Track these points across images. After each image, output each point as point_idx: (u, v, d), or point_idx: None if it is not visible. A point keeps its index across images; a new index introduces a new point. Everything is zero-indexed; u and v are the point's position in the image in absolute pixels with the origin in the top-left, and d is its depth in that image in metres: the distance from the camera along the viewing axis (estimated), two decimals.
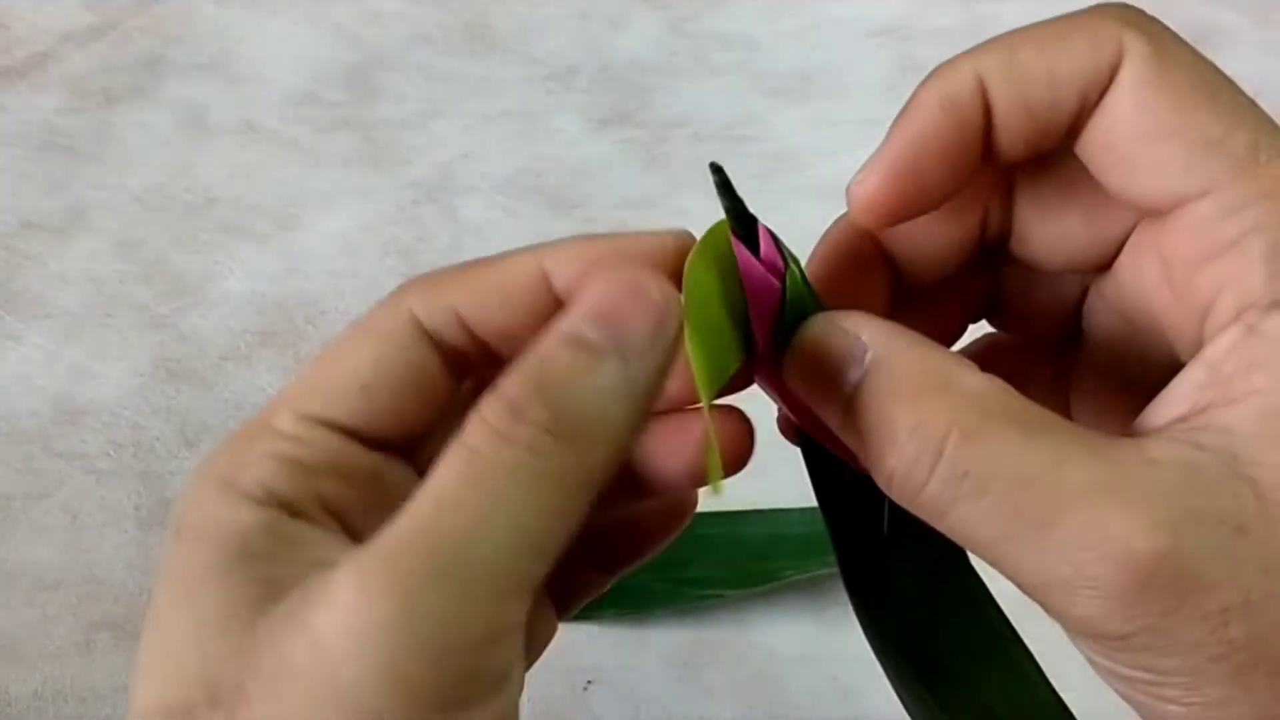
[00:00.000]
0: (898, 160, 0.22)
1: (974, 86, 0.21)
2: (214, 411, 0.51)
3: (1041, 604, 0.20)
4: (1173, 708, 0.20)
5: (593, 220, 0.58)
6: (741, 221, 0.22)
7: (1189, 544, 0.18)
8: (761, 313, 0.22)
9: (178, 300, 0.55)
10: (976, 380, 0.20)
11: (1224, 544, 0.19)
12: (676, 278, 0.21)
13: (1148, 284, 0.22)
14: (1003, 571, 0.20)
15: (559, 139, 0.62)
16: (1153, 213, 0.21)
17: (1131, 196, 0.21)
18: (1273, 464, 0.19)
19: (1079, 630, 0.20)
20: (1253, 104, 0.20)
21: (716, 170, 0.22)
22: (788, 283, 0.22)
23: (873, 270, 0.24)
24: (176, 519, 0.20)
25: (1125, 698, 0.21)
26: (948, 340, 0.26)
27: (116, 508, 0.48)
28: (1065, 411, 0.26)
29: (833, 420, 0.22)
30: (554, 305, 0.22)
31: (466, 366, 0.23)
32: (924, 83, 0.22)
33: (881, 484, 0.21)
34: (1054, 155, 0.23)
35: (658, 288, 0.20)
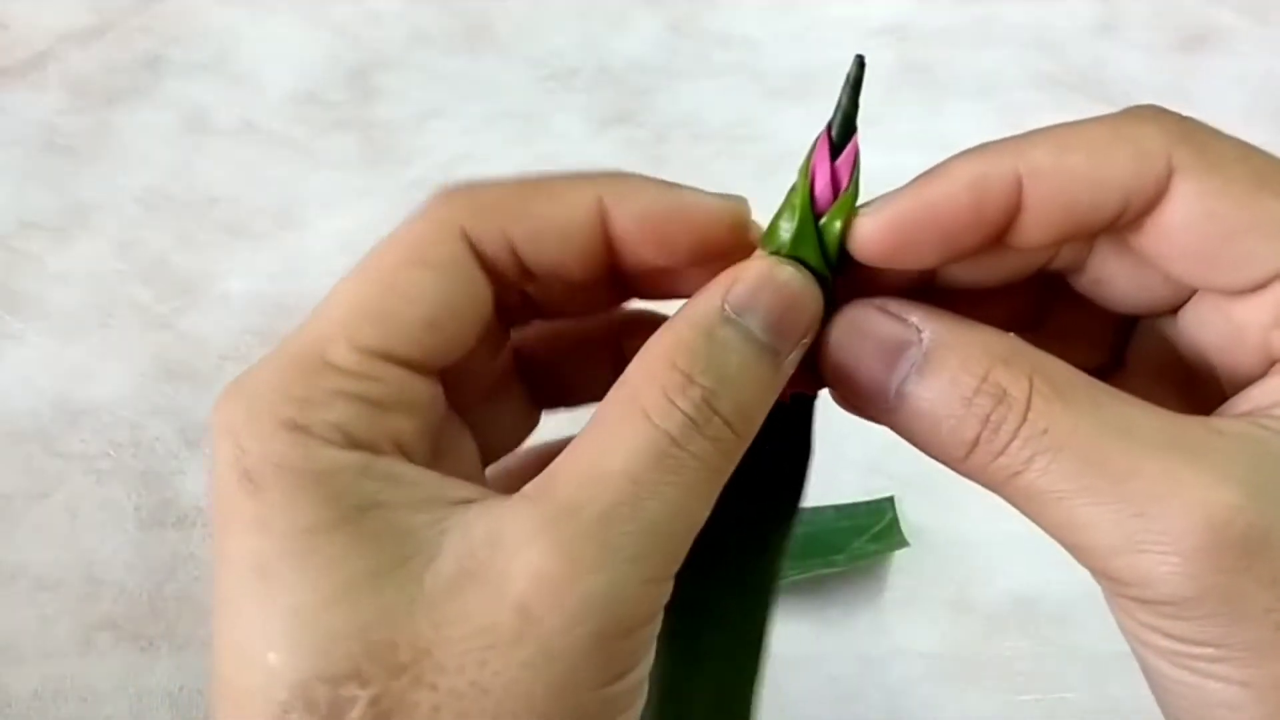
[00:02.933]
0: (904, 218, 0.22)
1: (1010, 179, 0.21)
2: None
3: (1104, 571, 0.20)
4: (1230, 689, 0.19)
5: None
6: (845, 126, 0.22)
7: (1262, 504, 0.19)
8: (810, 211, 0.22)
9: (178, 300, 0.55)
10: (1040, 352, 0.21)
11: None
12: (731, 244, 0.22)
13: (1209, 335, 0.23)
14: (1068, 535, 0.20)
15: (559, 139, 0.62)
16: (1229, 294, 0.22)
17: (1209, 286, 0.22)
18: None
19: (1141, 594, 0.20)
20: None
21: (859, 64, 0.22)
22: (839, 201, 0.22)
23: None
24: (237, 463, 0.20)
25: (1169, 688, 0.21)
26: None
27: (116, 508, 0.48)
28: None
29: (878, 404, 0.22)
30: (606, 245, 0.22)
31: (506, 289, 0.23)
32: (962, 155, 0.22)
33: (957, 456, 0.21)
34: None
35: (815, 302, 0.22)
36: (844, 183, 0.22)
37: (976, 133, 0.22)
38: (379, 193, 0.59)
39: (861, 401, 0.22)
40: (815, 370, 0.23)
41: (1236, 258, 0.21)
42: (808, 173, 0.22)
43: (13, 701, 0.43)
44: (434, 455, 0.22)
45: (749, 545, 0.21)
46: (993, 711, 0.43)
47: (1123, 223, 0.22)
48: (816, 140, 0.22)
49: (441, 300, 0.21)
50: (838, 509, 0.46)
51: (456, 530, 0.19)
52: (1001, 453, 0.20)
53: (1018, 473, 0.20)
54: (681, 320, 0.21)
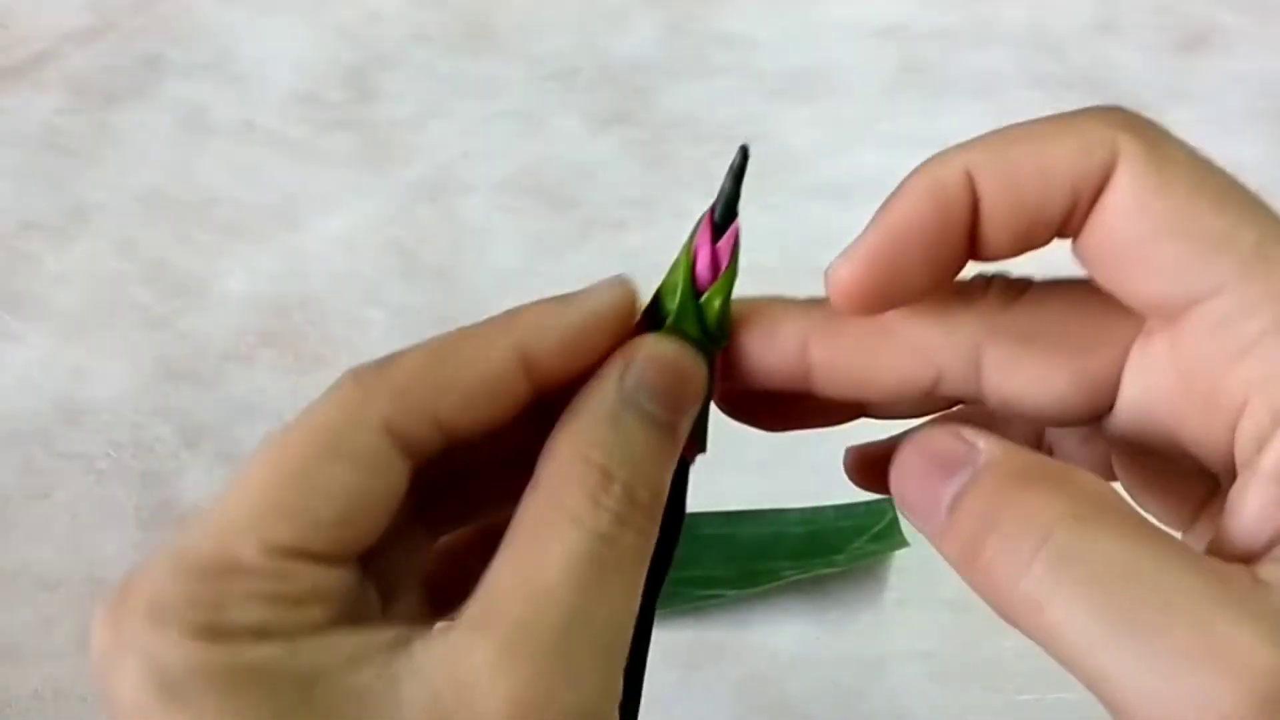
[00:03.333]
0: (878, 248, 0.22)
1: (962, 178, 0.21)
2: (214, 411, 0.51)
3: None
4: None
5: (593, 220, 0.58)
6: (728, 210, 0.23)
7: None
8: (691, 289, 0.23)
9: (178, 300, 0.55)
10: (1091, 478, 0.20)
11: None
12: (631, 320, 0.23)
13: (1159, 401, 0.22)
14: (1095, 685, 0.19)
15: (559, 139, 0.62)
16: (1162, 315, 0.21)
17: (1139, 299, 0.21)
18: None
19: None
20: (1256, 199, 0.20)
21: (744, 154, 0.23)
22: (719, 280, 0.23)
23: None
24: (152, 678, 0.19)
25: None
26: None
27: (116, 508, 0.48)
28: None
29: (933, 521, 0.21)
30: (530, 392, 0.22)
31: (425, 459, 0.22)
32: (912, 172, 0.22)
33: (977, 579, 0.20)
34: (1025, 304, 0.23)
35: (700, 372, 0.22)
36: (724, 263, 0.23)
37: (976, 133, 0.22)
38: (379, 193, 0.59)
39: (917, 518, 0.22)
40: (692, 435, 0.23)
41: (1163, 262, 0.20)
42: (690, 252, 0.23)
43: (13, 701, 0.43)
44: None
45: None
46: (993, 711, 0.43)
47: (1076, 218, 0.21)
48: (700, 221, 0.23)
49: (358, 495, 0.20)
50: (838, 509, 0.46)
51: (408, 678, 0.19)
52: (1024, 573, 0.19)
53: (1040, 605, 0.19)
54: (584, 412, 0.21)
